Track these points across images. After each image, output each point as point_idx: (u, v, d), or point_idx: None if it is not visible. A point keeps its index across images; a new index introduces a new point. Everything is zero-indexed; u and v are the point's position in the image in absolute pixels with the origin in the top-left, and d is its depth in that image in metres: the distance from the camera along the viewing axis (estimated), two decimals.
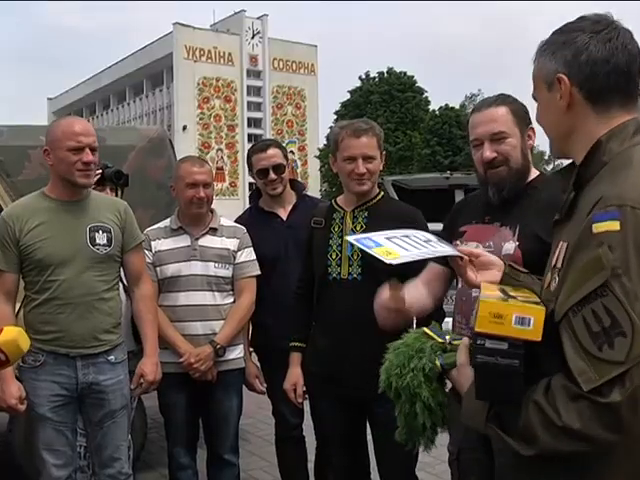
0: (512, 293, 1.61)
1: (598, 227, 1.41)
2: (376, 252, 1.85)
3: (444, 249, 2.00)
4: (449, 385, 1.87)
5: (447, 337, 1.86)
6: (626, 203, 1.41)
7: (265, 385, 3.93)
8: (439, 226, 2.85)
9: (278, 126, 70.36)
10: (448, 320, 2.19)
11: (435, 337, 1.87)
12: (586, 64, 1.57)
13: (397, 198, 10.34)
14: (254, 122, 69.63)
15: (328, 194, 36.87)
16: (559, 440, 1.41)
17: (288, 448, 4.03)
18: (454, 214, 2.85)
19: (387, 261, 1.80)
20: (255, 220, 3.95)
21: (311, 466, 3.99)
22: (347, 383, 3.10)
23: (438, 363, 1.79)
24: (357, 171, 3.08)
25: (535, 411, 1.44)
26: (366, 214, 3.17)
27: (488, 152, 2.46)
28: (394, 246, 1.88)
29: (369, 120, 3.24)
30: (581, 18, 1.63)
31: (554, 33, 1.65)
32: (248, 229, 3.78)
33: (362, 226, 3.14)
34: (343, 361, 3.10)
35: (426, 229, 3.01)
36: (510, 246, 2.46)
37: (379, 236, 1.97)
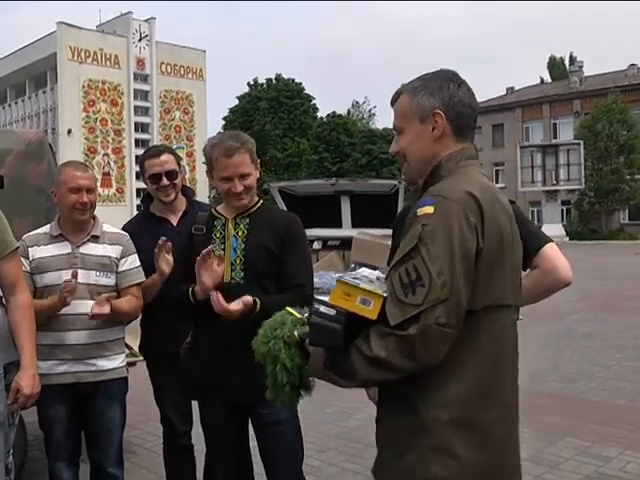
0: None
1: (420, 211, 1.90)
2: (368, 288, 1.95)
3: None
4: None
5: (306, 314, 2.16)
6: (440, 194, 1.91)
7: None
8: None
9: (166, 131, 69.40)
10: None
11: (295, 314, 2.22)
12: (458, 105, 2.08)
13: (284, 204, 10.44)
14: (141, 127, 68.44)
15: (216, 200, 36.64)
16: (371, 370, 1.85)
17: (176, 456, 3.97)
18: None
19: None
20: (145, 226, 3.91)
21: (200, 475, 3.95)
22: (229, 387, 3.12)
23: (296, 333, 2.13)
24: (235, 190, 3.18)
25: (355, 352, 1.87)
26: (247, 221, 3.25)
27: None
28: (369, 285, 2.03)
29: (239, 134, 3.28)
30: (442, 70, 2.15)
31: (423, 79, 2.13)
32: (138, 235, 3.72)
33: (244, 232, 3.22)
34: (224, 364, 3.11)
35: (302, 234, 3.38)
36: None
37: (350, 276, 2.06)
